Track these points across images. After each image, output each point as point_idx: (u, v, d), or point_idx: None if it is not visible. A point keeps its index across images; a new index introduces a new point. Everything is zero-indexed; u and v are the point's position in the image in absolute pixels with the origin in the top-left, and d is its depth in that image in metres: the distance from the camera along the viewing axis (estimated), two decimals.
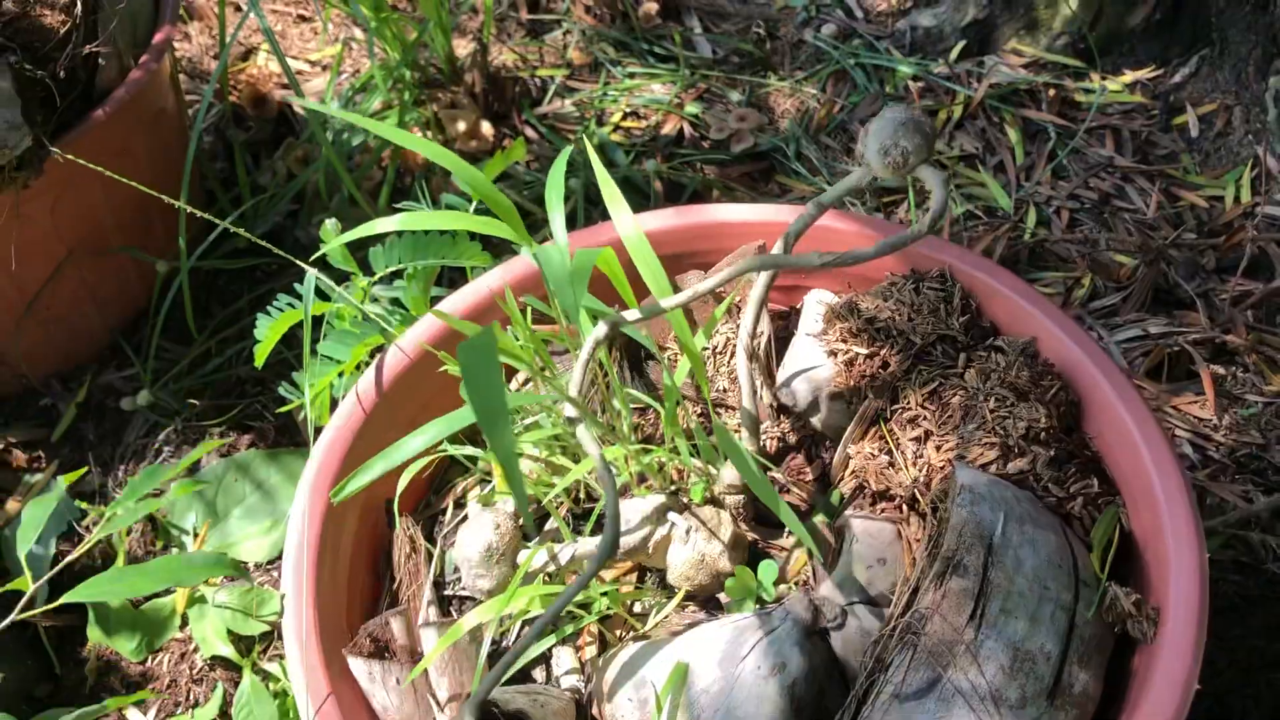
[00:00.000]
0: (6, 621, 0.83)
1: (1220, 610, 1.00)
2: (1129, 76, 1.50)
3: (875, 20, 1.62)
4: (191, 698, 1.08)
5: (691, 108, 1.51)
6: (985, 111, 1.48)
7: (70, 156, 1.05)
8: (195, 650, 1.10)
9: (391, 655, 0.75)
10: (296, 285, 0.99)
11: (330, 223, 0.98)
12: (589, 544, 0.77)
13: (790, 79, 1.56)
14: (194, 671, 1.09)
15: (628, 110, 1.52)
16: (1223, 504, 1.06)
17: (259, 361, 1.01)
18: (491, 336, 0.46)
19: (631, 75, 1.56)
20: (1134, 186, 1.39)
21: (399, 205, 1.00)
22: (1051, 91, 1.49)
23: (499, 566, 0.77)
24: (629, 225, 0.77)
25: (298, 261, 0.85)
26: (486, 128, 1.44)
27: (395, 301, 1.08)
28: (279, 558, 1.13)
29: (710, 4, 1.66)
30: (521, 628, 0.80)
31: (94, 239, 1.21)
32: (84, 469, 1.00)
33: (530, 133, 1.49)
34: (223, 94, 1.49)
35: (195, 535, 1.14)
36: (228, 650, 1.06)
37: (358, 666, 0.74)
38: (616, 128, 1.49)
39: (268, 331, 1.01)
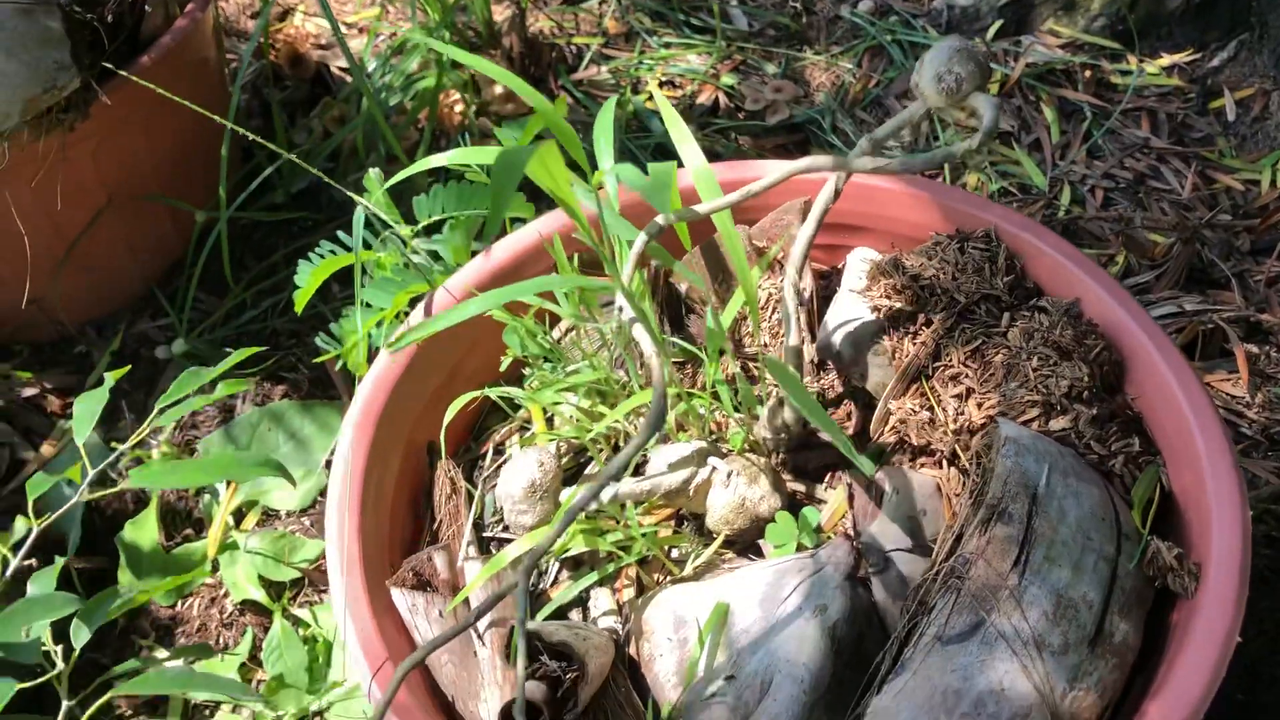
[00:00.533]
0: (49, 519, 0.84)
1: (1251, 583, 0.99)
2: (1166, 59, 1.50)
3: None
4: (221, 641, 1.09)
5: (727, 79, 1.51)
6: (1021, 90, 1.48)
7: (141, 81, 1.05)
8: (225, 595, 1.11)
9: (434, 589, 0.76)
10: (341, 234, 1.00)
11: (374, 171, 0.99)
12: (630, 484, 0.77)
13: (826, 54, 1.56)
14: (224, 616, 1.10)
15: (663, 79, 1.52)
16: (1255, 479, 1.06)
17: (299, 307, 1.01)
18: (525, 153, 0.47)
19: (667, 45, 1.56)
20: (1169, 168, 1.39)
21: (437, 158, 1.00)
22: (1088, 72, 1.49)
23: (542, 503, 0.78)
24: (696, 159, 0.77)
25: (350, 194, 0.86)
26: None
27: (433, 255, 1.08)
28: (311, 506, 1.14)
29: None
30: (560, 567, 0.81)
31: (133, 187, 1.22)
32: (128, 366, 1.00)
33: (566, 99, 1.49)
34: (261, 52, 1.49)
35: (228, 482, 1.15)
36: (259, 595, 1.07)
37: (400, 599, 0.74)
38: (652, 96, 1.50)
39: (309, 277, 1.01)
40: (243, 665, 1.05)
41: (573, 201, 0.62)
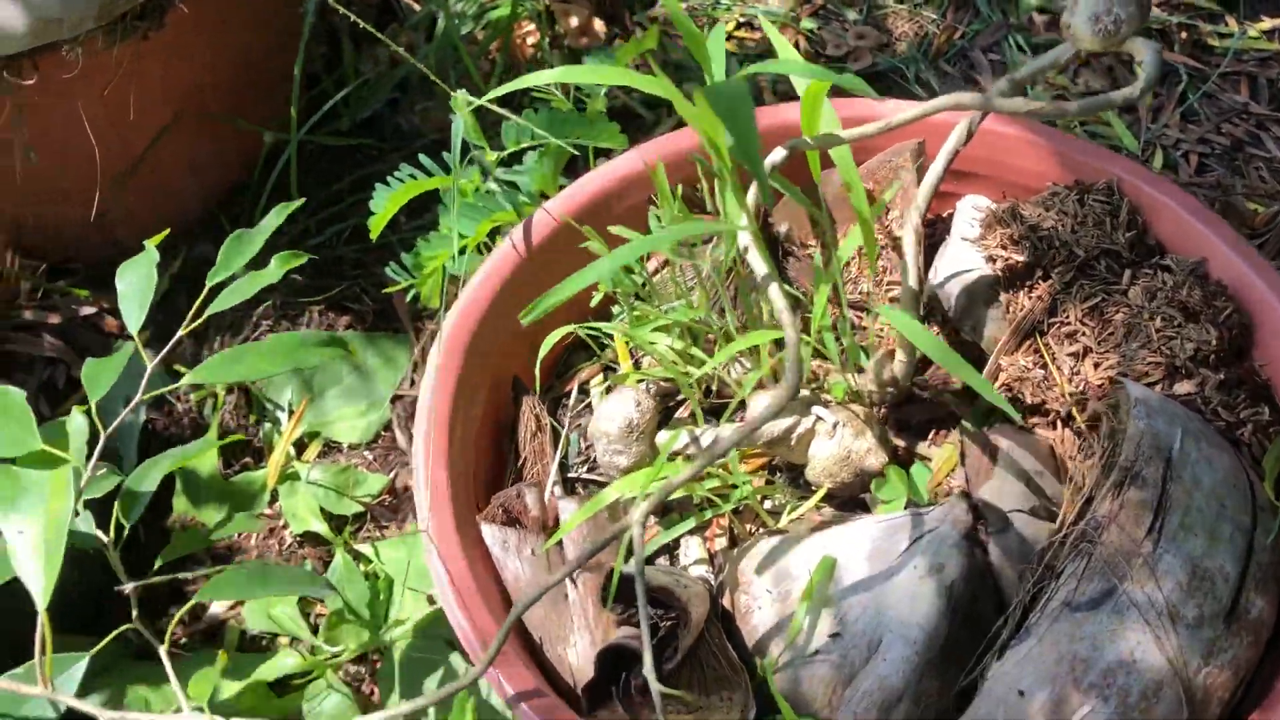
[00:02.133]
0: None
1: None
2: (1267, 23, 1.44)
3: None
4: None
5: (807, 23, 1.46)
6: (1115, 49, 1.42)
7: None
8: (285, 527, 1.08)
9: (523, 527, 0.72)
10: (424, 157, 0.96)
11: (461, 92, 0.94)
12: (730, 429, 0.74)
13: (909, 2, 1.50)
14: (283, 548, 1.07)
15: (741, 20, 1.47)
16: None
17: (374, 233, 0.98)
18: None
19: None
20: (1269, 134, 1.33)
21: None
22: (1185, 33, 1.43)
23: (638, 444, 0.75)
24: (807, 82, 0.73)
25: (452, 94, 0.83)
26: (599, 25, 1.39)
27: (511, 185, 1.04)
28: (375, 440, 1.11)
29: None
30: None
31: (199, 104, 1.18)
32: (167, 230, 0.96)
33: (656, 31, 1.44)
34: None
35: (290, 411, 1.12)
36: (320, 527, 1.04)
37: (491, 534, 0.71)
38: (729, 37, 1.45)
39: (387, 202, 0.98)
40: (301, 598, 1.03)
41: None
